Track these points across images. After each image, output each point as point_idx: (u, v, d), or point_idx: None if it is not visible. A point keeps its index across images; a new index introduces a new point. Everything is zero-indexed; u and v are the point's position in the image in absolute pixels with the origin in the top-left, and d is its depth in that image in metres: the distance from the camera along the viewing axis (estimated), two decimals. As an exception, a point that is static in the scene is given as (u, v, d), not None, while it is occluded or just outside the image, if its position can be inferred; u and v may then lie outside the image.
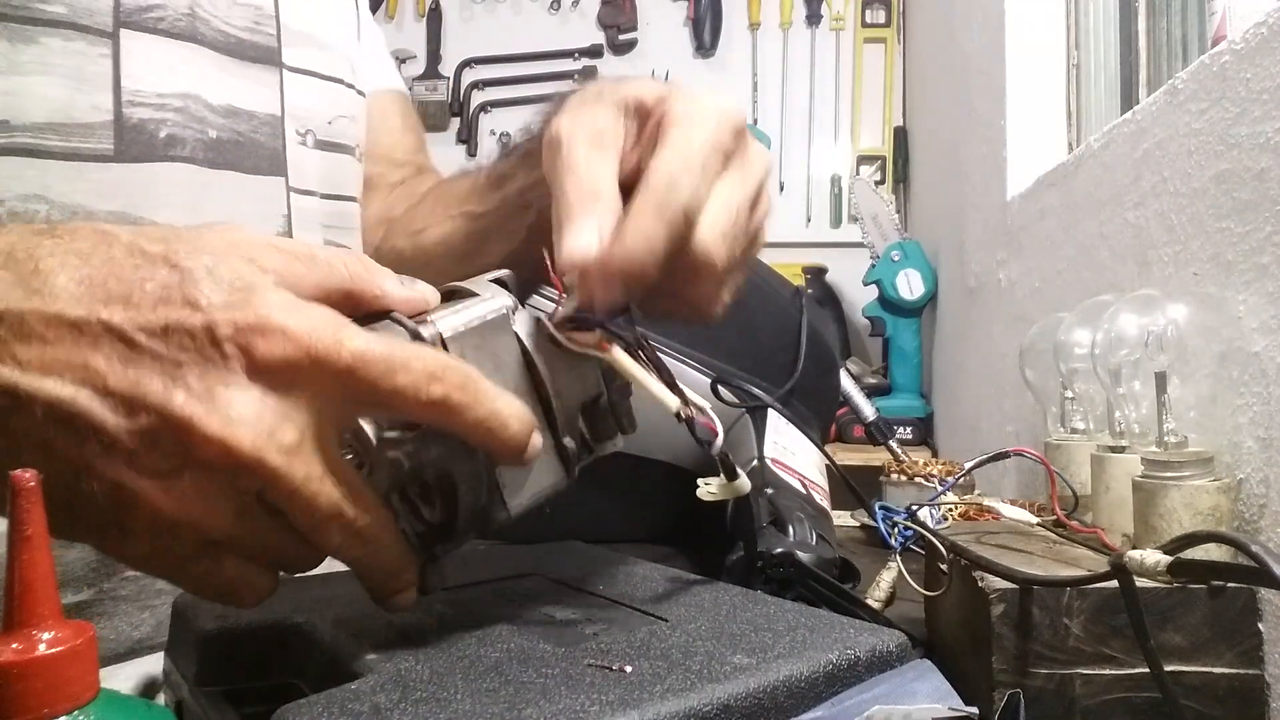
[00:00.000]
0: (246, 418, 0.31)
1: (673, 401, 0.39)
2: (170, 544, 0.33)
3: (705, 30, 2.47)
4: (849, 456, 1.61)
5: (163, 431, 0.31)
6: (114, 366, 0.30)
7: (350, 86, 0.73)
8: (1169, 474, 0.52)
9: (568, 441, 0.41)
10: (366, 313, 0.36)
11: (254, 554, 0.35)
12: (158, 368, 0.31)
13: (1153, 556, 0.43)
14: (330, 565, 0.38)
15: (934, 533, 0.57)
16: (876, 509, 0.65)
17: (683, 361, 0.79)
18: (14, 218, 0.51)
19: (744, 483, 0.44)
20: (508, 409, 0.36)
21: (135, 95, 0.56)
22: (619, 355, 0.40)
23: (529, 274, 0.44)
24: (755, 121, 2.48)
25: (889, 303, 1.95)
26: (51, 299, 0.31)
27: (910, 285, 1.93)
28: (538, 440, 0.37)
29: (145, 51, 0.56)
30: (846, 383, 1.09)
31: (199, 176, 0.59)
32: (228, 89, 0.62)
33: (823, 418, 0.91)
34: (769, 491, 0.69)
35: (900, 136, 2.41)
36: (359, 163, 0.75)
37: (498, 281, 0.41)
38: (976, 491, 0.94)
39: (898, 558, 0.62)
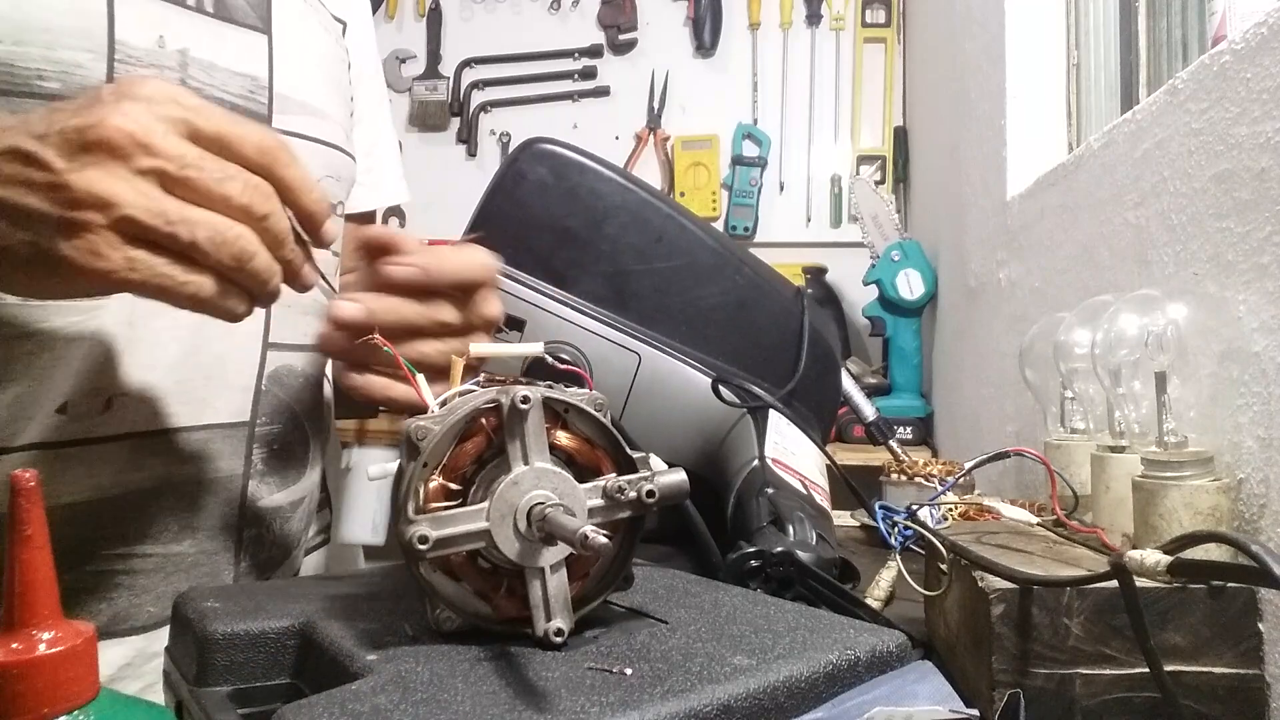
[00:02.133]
0: (124, 111, 0.43)
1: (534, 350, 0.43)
2: (101, 237, 0.43)
3: (705, 30, 2.47)
4: (849, 456, 1.61)
5: (68, 138, 0.43)
6: (39, 120, 0.44)
7: (342, 150, 0.75)
8: (1169, 474, 0.52)
9: None
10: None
11: (171, 233, 0.44)
12: (65, 113, 0.44)
13: (1153, 556, 0.43)
14: (329, 566, 0.38)
15: (934, 532, 0.57)
16: (876, 509, 0.65)
17: (684, 361, 0.79)
18: None
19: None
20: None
21: None
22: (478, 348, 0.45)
23: None
24: (755, 121, 2.48)
25: (889, 303, 1.95)
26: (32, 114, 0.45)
27: (910, 285, 1.92)
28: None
29: None
30: (847, 383, 1.08)
31: None
32: None
33: (824, 417, 0.90)
34: (769, 491, 0.69)
35: (900, 136, 2.41)
36: (341, 219, 0.77)
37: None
38: (976, 491, 0.94)
39: (898, 558, 0.62)
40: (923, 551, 0.62)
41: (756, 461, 0.74)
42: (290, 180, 0.48)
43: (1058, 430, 0.71)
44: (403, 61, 2.58)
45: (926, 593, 0.60)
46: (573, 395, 0.41)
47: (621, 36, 2.51)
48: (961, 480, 0.81)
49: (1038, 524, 0.66)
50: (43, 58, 0.55)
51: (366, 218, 0.86)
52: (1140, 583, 0.44)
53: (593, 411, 0.41)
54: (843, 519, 0.95)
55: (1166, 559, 0.43)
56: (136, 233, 0.43)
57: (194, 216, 0.44)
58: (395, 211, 2.57)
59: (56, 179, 0.42)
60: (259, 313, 0.57)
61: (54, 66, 0.55)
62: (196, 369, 0.62)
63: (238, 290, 0.47)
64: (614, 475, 0.40)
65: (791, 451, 0.77)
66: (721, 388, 0.72)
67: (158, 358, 0.60)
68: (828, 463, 0.80)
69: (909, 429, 1.86)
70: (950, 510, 0.76)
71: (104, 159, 0.43)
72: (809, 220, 2.46)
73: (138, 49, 0.58)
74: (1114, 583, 0.43)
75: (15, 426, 0.55)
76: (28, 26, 0.54)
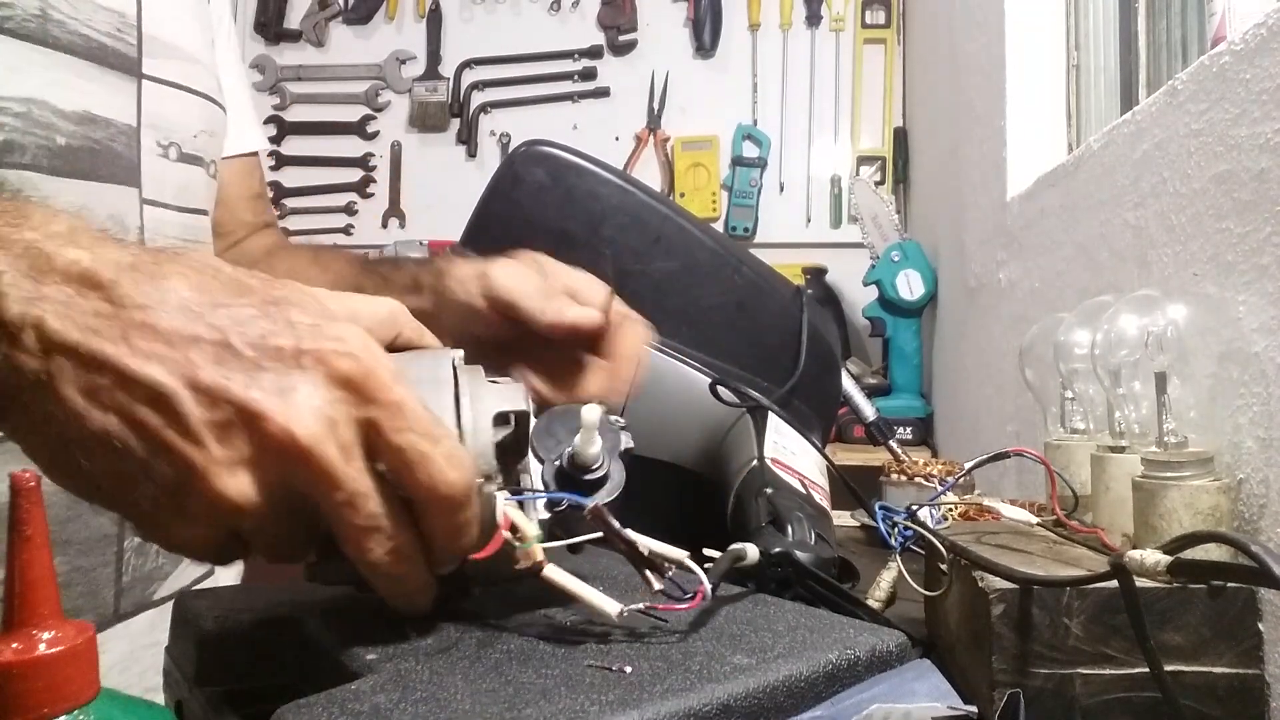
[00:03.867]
0: (312, 410, 0.35)
1: (612, 609, 0.39)
2: (208, 528, 0.36)
3: (705, 31, 2.47)
4: (849, 456, 1.61)
5: (237, 422, 0.35)
6: (208, 365, 0.35)
7: (213, 101, 0.73)
8: (1169, 474, 0.52)
9: None
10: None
11: (272, 548, 0.38)
12: (241, 368, 0.35)
13: (1153, 556, 0.43)
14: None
15: (934, 533, 0.57)
16: (876, 509, 0.65)
17: (684, 361, 0.79)
18: None
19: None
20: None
21: None
22: (552, 573, 0.40)
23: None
24: (755, 122, 2.48)
25: (889, 303, 1.95)
26: (169, 302, 0.36)
27: (910, 285, 1.93)
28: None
29: None
30: (846, 383, 1.08)
31: (43, 185, 0.57)
32: (82, 94, 0.60)
33: (825, 417, 0.90)
34: (768, 491, 0.69)
35: (900, 137, 2.41)
36: (213, 179, 0.75)
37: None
38: (976, 491, 0.94)
39: (898, 558, 0.62)
40: (923, 551, 0.62)
41: (756, 461, 0.74)
42: (447, 531, 0.38)
43: (1058, 430, 0.71)
44: (403, 62, 2.59)
45: (926, 593, 0.60)
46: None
47: (621, 37, 2.52)
48: (961, 480, 0.81)
49: (1038, 524, 0.66)
50: None
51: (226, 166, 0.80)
52: (1140, 583, 0.44)
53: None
54: (843, 519, 0.95)
55: (1166, 559, 0.43)
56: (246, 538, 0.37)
57: (302, 553, 0.39)
58: (395, 214, 2.57)
59: (200, 466, 0.34)
60: None
61: None
62: None
63: None
64: None
65: (791, 451, 0.77)
66: (720, 388, 0.72)
67: None
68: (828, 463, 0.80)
69: (909, 429, 1.86)
70: (950, 510, 0.76)
71: (265, 466, 0.35)
72: (809, 221, 2.46)
73: None
74: (1114, 583, 0.43)
75: None
76: None
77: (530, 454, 0.44)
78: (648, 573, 0.40)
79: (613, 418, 0.46)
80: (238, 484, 0.35)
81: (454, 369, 0.41)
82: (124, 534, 0.63)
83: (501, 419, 0.41)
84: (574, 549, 0.44)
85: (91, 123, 0.61)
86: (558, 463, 0.44)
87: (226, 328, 0.36)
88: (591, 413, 0.42)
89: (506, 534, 0.40)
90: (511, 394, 0.42)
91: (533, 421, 0.44)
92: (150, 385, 0.34)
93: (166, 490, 0.35)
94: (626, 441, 0.46)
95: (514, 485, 0.42)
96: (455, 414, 0.40)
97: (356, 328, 0.38)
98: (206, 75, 0.72)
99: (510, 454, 0.42)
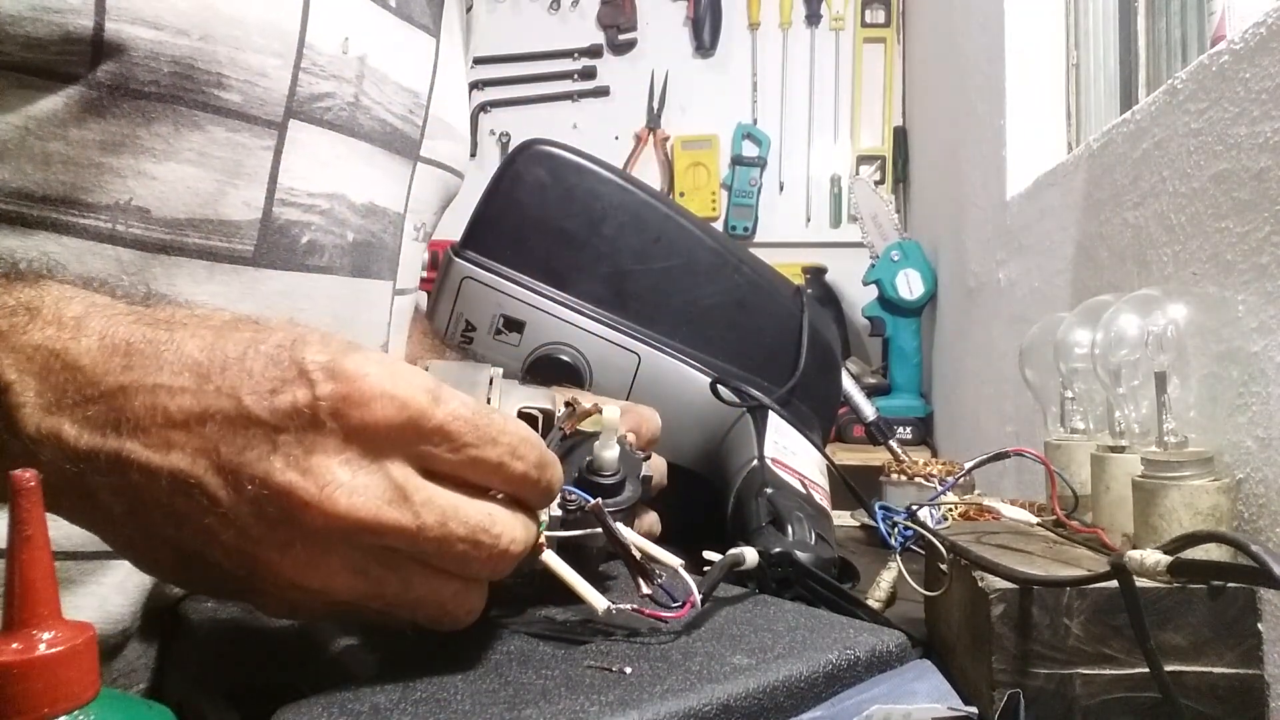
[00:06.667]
0: (339, 480, 0.32)
1: (599, 604, 0.39)
2: (309, 602, 0.35)
3: (705, 30, 2.47)
4: (849, 456, 1.61)
5: (268, 501, 0.32)
6: (224, 439, 0.33)
7: (460, 175, 0.71)
8: (1169, 474, 0.52)
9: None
10: None
11: (385, 610, 0.35)
12: (259, 437, 0.33)
13: (1153, 556, 0.43)
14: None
15: (934, 533, 0.57)
16: (876, 509, 0.65)
17: (684, 361, 0.79)
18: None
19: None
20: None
21: (289, 194, 0.52)
22: (549, 558, 0.41)
23: None
24: (755, 122, 2.48)
25: (889, 303, 1.95)
26: (180, 374, 0.34)
27: (910, 285, 1.93)
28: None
29: (307, 144, 0.53)
30: (846, 382, 1.08)
31: (334, 288, 0.56)
32: (369, 184, 0.58)
33: (825, 416, 0.90)
34: (768, 491, 0.69)
35: (900, 136, 2.41)
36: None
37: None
38: (976, 491, 0.94)
39: (898, 558, 0.62)
40: (923, 551, 0.62)
41: (756, 461, 0.74)
42: (542, 500, 0.39)
43: (1058, 430, 0.71)
44: (402, 62, 2.58)
45: (926, 593, 0.60)
46: None
47: (621, 36, 2.51)
48: (961, 480, 0.81)
49: (1038, 524, 0.66)
50: (229, 60, 0.48)
51: None
52: (1140, 583, 0.44)
53: None
54: (843, 519, 0.95)
55: (1166, 559, 0.43)
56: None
57: (417, 596, 0.35)
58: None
59: (257, 552, 0.33)
60: None
61: (238, 73, 0.48)
62: None
63: None
64: None
65: (791, 451, 0.77)
66: (720, 388, 0.72)
67: None
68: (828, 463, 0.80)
69: (909, 429, 1.86)
70: (950, 510, 0.76)
71: (316, 542, 0.33)
72: (809, 220, 2.46)
73: (324, 54, 0.53)
74: (1114, 583, 0.43)
75: None
76: (218, 18, 0.47)
77: None
78: (638, 578, 0.41)
79: (638, 452, 0.48)
80: (294, 563, 0.33)
81: (490, 379, 0.44)
82: None
83: (526, 415, 0.42)
84: (585, 558, 0.45)
85: (373, 214, 0.59)
86: (575, 474, 0.46)
87: (238, 388, 0.33)
88: (612, 414, 0.43)
89: None
90: (537, 395, 0.44)
91: (559, 412, 0.46)
92: (175, 475, 0.33)
93: (235, 581, 0.34)
94: (647, 470, 0.48)
95: None
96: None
97: (375, 353, 0.35)
98: (464, 151, 0.70)
99: None
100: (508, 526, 0.35)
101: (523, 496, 0.37)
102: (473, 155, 2.64)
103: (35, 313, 0.36)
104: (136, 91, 0.46)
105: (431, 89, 0.64)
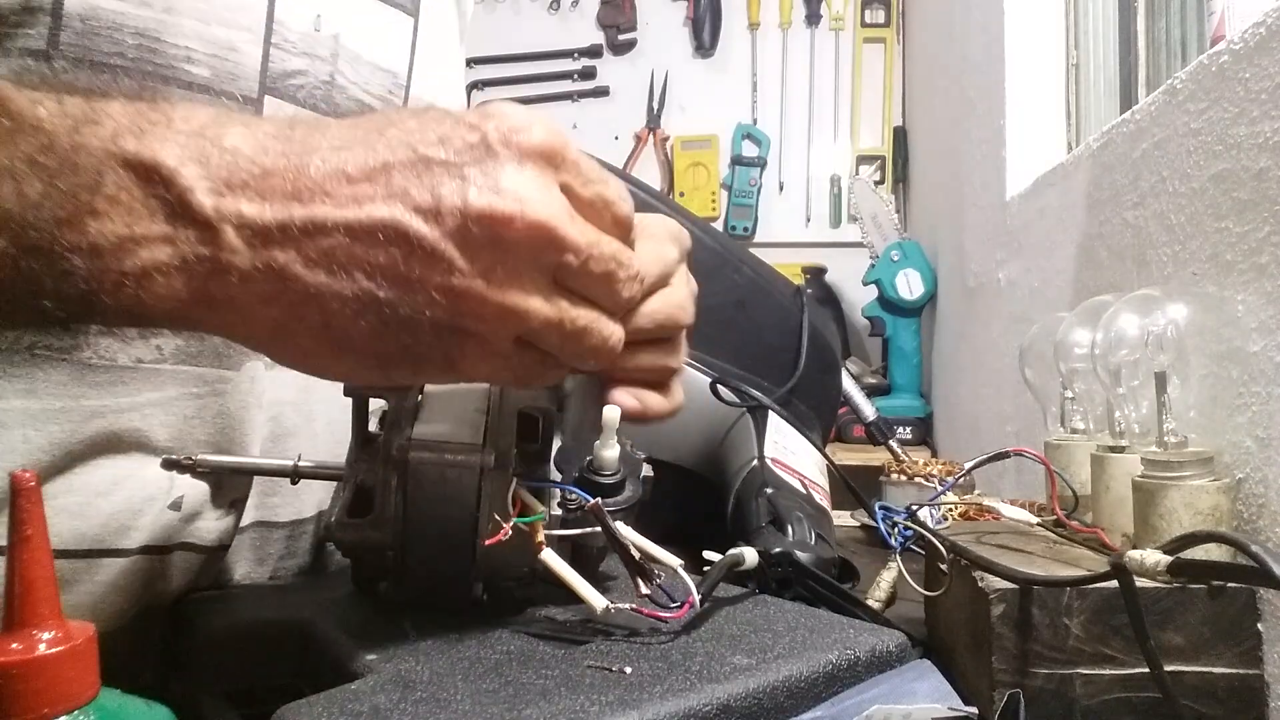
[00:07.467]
0: (532, 194, 0.35)
1: (598, 603, 0.40)
2: (500, 346, 0.36)
3: (705, 30, 2.47)
4: (849, 456, 1.61)
5: (469, 227, 0.34)
6: (412, 182, 0.34)
7: None
8: (1169, 474, 0.52)
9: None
10: None
11: (561, 339, 0.37)
12: (446, 174, 0.34)
13: (1153, 556, 0.43)
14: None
15: (934, 533, 0.57)
16: (876, 509, 0.65)
17: (684, 361, 0.79)
18: None
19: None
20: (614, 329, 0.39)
21: None
22: (549, 558, 0.42)
23: None
24: (755, 122, 2.48)
25: (888, 303, 1.95)
26: (346, 144, 0.35)
27: (910, 285, 1.93)
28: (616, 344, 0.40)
29: None
30: (846, 382, 1.08)
31: None
32: None
33: (825, 416, 0.90)
34: (768, 491, 0.69)
35: (900, 136, 2.41)
36: None
37: None
38: (976, 491, 0.94)
39: (898, 558, 0.62)
40: (923, 551, 0.62)
41: (756, 461, 0.74)
42: (644, 258, 0.41)
43: (1058, 430, 0.71)
44: (402, 62, 2.58)
45: (926, 593, 0.60)
46: None
47: (621, 36, 2.51)
48: (961, 480, 0.81)
49: (1038, 524, 0.66)
50: (195, 34, 0.48)
51: None
52: (1140, 583, 0.44)
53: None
54: (843, 519, 0.95)
55: (1166, 559, 0.43)
56: (529, 339, 0.37)
57: (584, 324, 0.37)
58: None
59: (462, 284, 0.34)
60: None
61: (205, 47, 0.48)
62: None
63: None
64: None
65: (791, 451, 0.77)
66: (720, 388, 0.72)
67: None
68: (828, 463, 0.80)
69: (909, 429, 1.86)
70: (950, 510, 0.76)
71: (515, 261, 0.35)
72: (808, 220, 2.46)
73: (295, 31, 0.54)
74: (1114, 583, 0.43)
75: None
76: None
77: (551, 465, 0.46)
78: (637, 578, 0.41)
79: (638, 453, 0.49)
80: (501, 287, 0.34)
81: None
82: None
83: (526, 415, 0.43)
84: (585, 558, 0.45)
85: None
86: (576, 475, 0.46)
87: (412, 142, 0.35)
88: (611, 413, 0.43)
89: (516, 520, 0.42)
90: (540, 395, 0.44)
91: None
92: (377, 225, 0.33)
93: (443, 325, 0.35)
94: (647, 470, 0.49)
95: (529, 474, 0.44)
96: (486, 407, 0.43)
97: (511, 104, 0.37)
98: None
99: (532, 456, 0.44)
100: (631, 260, 0.38)
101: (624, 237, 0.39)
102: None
103: (169, 119, 0.34)
104: (101, 64, 0.46)
105: (411, 68, 0.64)
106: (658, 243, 0.43)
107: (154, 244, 0.32)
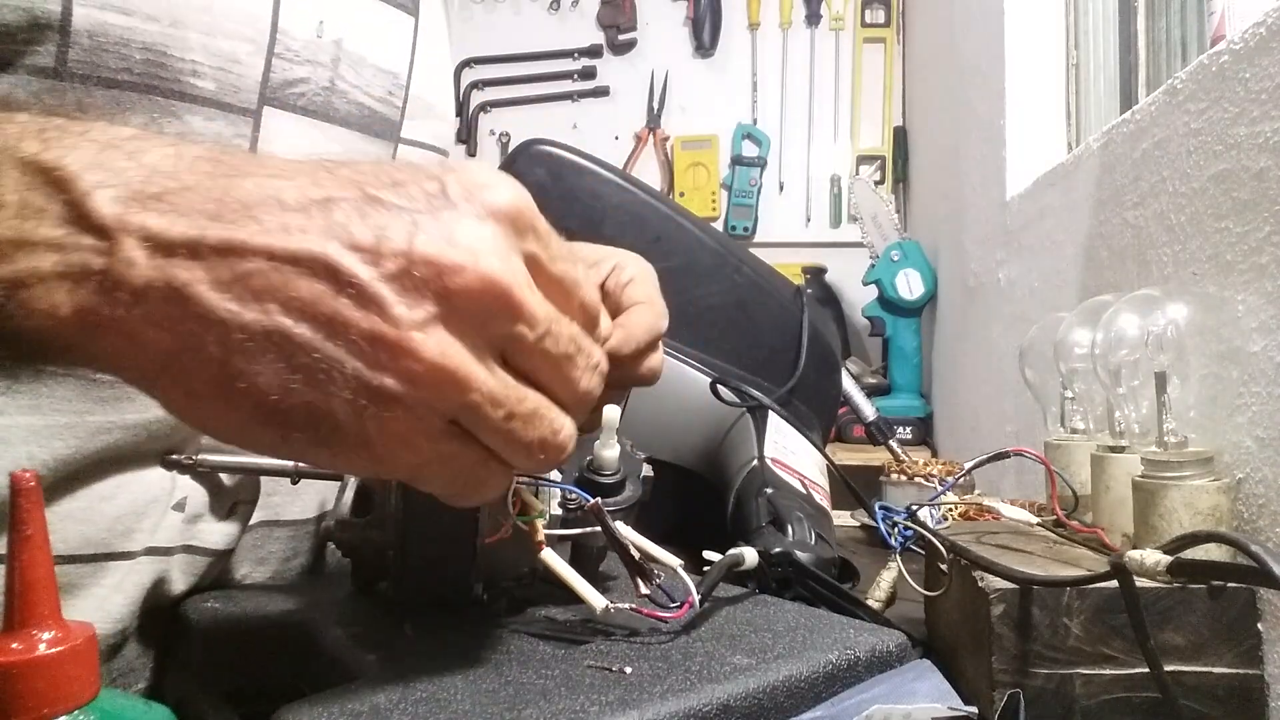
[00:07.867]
0: (489, 251, 0.31)
1: (598, 603, 0.40)
2: (425, 419, 0.31)
3: (705, 30, 2.47)
4: (849, 456, 1.61)
5: (410, 273, 0.30)
6: (354, 220, 0.30)
7: (445, 154, 0.71)
8: (1169, 474, 0.52)
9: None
10: None
11: (505, 422, 0.32)
12: (394, 217, 0.30)
13: (1153, 556, 0.43)
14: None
15: (934, 533, 0.57)
16: (876, 509, 0.65)
17: (684, 361, 0.79)
18: None
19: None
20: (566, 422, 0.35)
21: None
22: (549, 558, 0.42)
23: None
24: (755, 122, 2.48)
25: (889, 303, 1.95)
26: (282, 173, 0.31)
27: (910, 285, 1.92)
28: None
29: (282, 133, 0.53)
30: (846, 382, 1.08)
31: None
32: None
33: (825, 416, 0.90)
34: (769, 491, 0.69)
35: (900, 136, 2.41)
36: None
37: None
38: (976, 491, 0.94)
39: (898, 558, 0.62)
40: (923, 551, 0.62)
41: (756, 461, 0.74)
42: (616, 344, 0.39)
43: (1058, 430, 0.71)
44: (402, 62, 2.58)
45: (926, 593, 0.60)
46: None
47: (621, 36, 2.51)
48: (961, 480, 0.81)
49: (1038, 524, 0.66)
50: (200, 46, 0.47)
51: None
52: (1140, 583, 0.44)
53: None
54: (843, 519, 0.95)
55: (1166, 559, 0.43)
56: (467, 425, 0.32)
57: (532, 408, 0.33)
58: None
59: (394, 335, 0.29)
60: None
61: (211, 60, 0.48)
62: None
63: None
64: None
65: (791, 451, 0.77)
66: (720, 388, 0.72)
67: None
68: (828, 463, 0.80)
69: (909, 429, 1.86)
70: (950, 510, 0.76)
71: (460, 320, 0.30)
72: (808, 220, 2.46)
73: (298, 39, 0.53)
74: (1114, 583, 0.43)
75: None
76: (186, 4, 0.47)
77: None
78: (637, 578, 0.41)
79: (638, 453, 0.48)
80: (440, 345, 0.30)
81: None
82: None
83: None
84: (585, 558, 0.45)
85: None
86: (576, 474, 0.46)
87: (362, 183, 0.31)
88: (611, 413, 0.43)
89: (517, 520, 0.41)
90: None
91: None
92: (303, 255, 0.29)
93: (364, 385, 0.29)
94: (647, 470, 0.48)
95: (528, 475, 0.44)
96: None
97: (480, 162, 0.35)
98: (449, 130, 0.69)
99: None
100: (593, 350, 0.35)
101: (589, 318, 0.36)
102: (473, 155, 2.65)
103: (86, 131, 0.31)
104: (109, 80, 0.45)
105: (411, 68, 0.64)
106: (656, 316, 0.43)
107: (37, 249, 0.28)
